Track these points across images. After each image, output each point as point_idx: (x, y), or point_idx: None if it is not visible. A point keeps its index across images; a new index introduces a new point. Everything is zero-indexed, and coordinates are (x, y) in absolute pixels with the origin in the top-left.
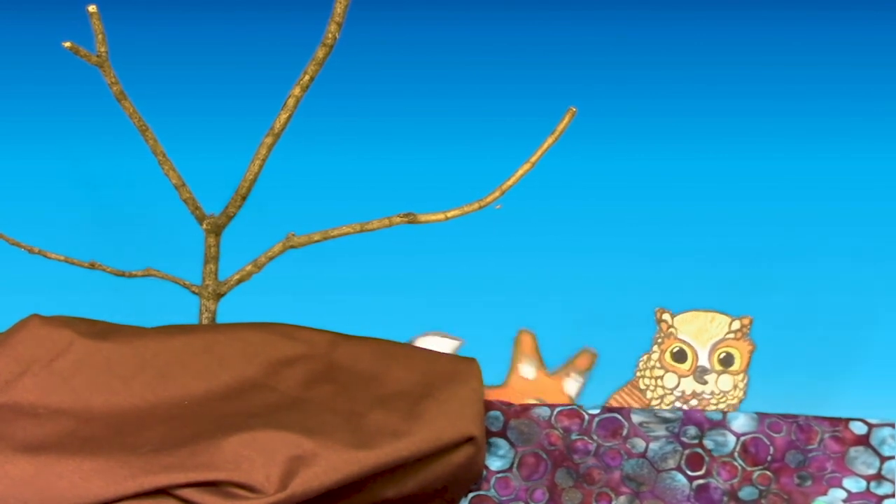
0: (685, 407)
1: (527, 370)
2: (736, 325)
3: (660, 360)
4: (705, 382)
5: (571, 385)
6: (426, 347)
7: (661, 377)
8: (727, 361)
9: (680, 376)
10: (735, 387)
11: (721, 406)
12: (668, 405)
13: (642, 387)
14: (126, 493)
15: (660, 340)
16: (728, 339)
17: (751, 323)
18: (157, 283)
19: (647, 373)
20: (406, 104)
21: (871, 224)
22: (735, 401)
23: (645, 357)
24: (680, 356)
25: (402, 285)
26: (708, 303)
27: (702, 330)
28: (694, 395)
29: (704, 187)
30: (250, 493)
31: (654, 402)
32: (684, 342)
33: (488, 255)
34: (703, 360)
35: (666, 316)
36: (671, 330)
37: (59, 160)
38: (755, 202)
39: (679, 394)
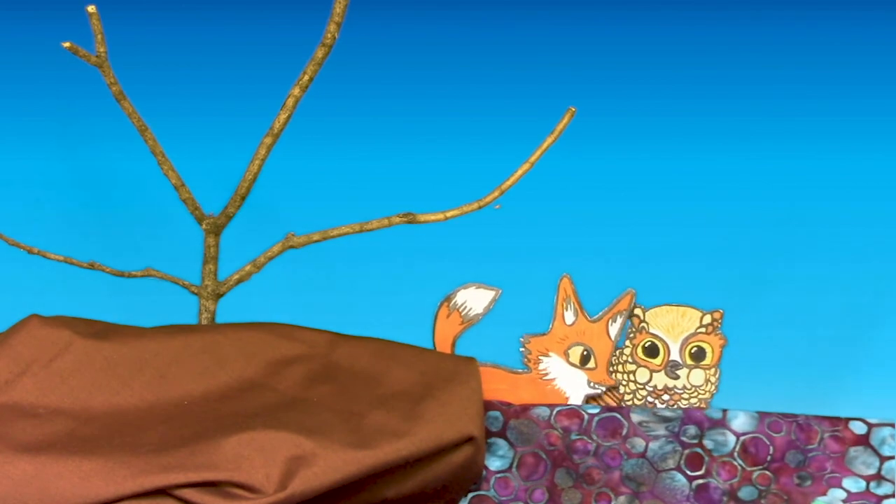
0: (657, 402)
1: (568, 316)
2: (707, 319)
3: (632, 354)
4: (677, 377)
5: (614, 328)
6: (427, 348)
7: (634, 372)
8: (698, 356)
9: (652, 371)
10: (707, 381)
11: (693, 401)
12: (640, 400)
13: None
14: (126, 493)
15: (632, 335)
16: (699, 333)
17: (721, 317)
18: (156, 283)
19: (620, 367)
20: (406, 104)
21: (872, 224)
22: (707, 395)
23: (617, 352)
24: (651, 351)
25: (402, 285)
26: (708, 303)
27: (673, 324)
28: (666, 389)
29: (704, 187)
30: (250, 493)
31: (626, 397)
32: (656, 337)
33: (488, 255)
34: (675, 355)
35: (637, 311)
36: (643, 325)
37: (59, 160)
38: (755, 202)
39: (651, 388)
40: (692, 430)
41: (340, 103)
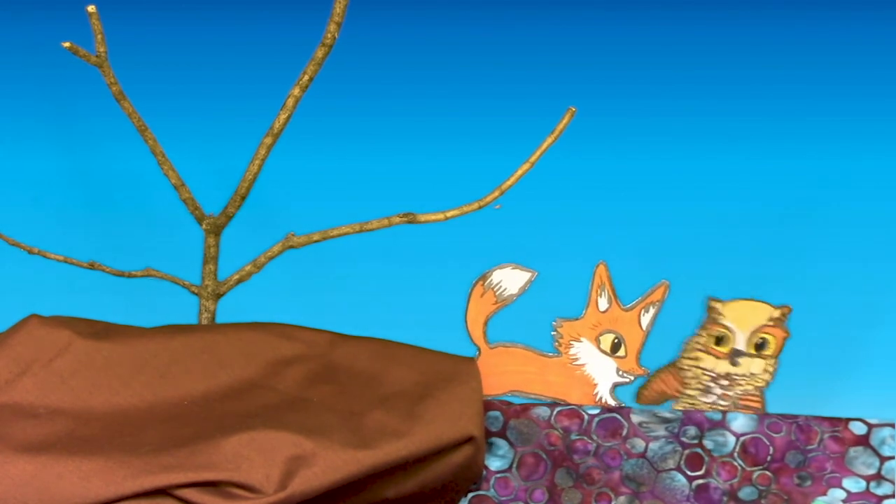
0: (716, 386)
1: (602, 302)
2: (776, 313)
3: (705, 344)
4: (737, 364)
5: (646, 318)
6: (426, 348)
7: (700, 358)
8: (762, 346)
9: (717, 358)
10: (765, 370)
11: (748, 388)
12: (702, 384)
13: (683, 367)
14: (125, 493)
15: (707, 325)
16: (766, 326)
17: (789, 312)
18: (156, 283)
19: (689, 354)
20: (405, 104)
21: (873, 224)
22: (762, 383)
23: (691, 340)
24: (721, 340)
25: (401, 285)
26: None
27: (744, 316)
28: (727, 376)
29: (704, 187)
30: (250, 494)
31: (689, 381)
32: (726, 327)
33: (487, 255)
34: (740, 344)
35: (716, 304)
36: (718, 316)
37: (58, 160)
38: (754, 202)
39: (713, 374)
40: (692, 430)
41: (340, 103)
